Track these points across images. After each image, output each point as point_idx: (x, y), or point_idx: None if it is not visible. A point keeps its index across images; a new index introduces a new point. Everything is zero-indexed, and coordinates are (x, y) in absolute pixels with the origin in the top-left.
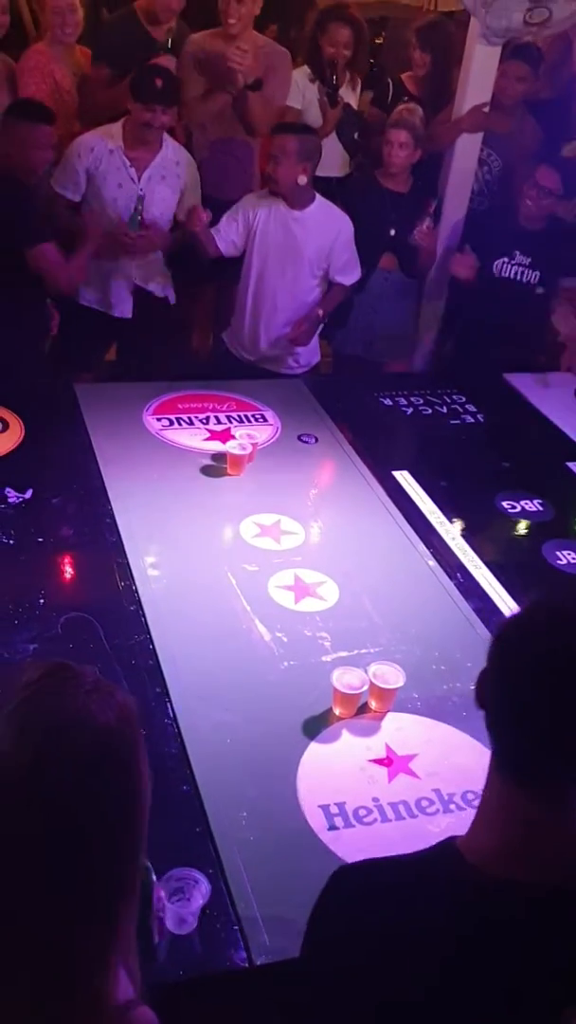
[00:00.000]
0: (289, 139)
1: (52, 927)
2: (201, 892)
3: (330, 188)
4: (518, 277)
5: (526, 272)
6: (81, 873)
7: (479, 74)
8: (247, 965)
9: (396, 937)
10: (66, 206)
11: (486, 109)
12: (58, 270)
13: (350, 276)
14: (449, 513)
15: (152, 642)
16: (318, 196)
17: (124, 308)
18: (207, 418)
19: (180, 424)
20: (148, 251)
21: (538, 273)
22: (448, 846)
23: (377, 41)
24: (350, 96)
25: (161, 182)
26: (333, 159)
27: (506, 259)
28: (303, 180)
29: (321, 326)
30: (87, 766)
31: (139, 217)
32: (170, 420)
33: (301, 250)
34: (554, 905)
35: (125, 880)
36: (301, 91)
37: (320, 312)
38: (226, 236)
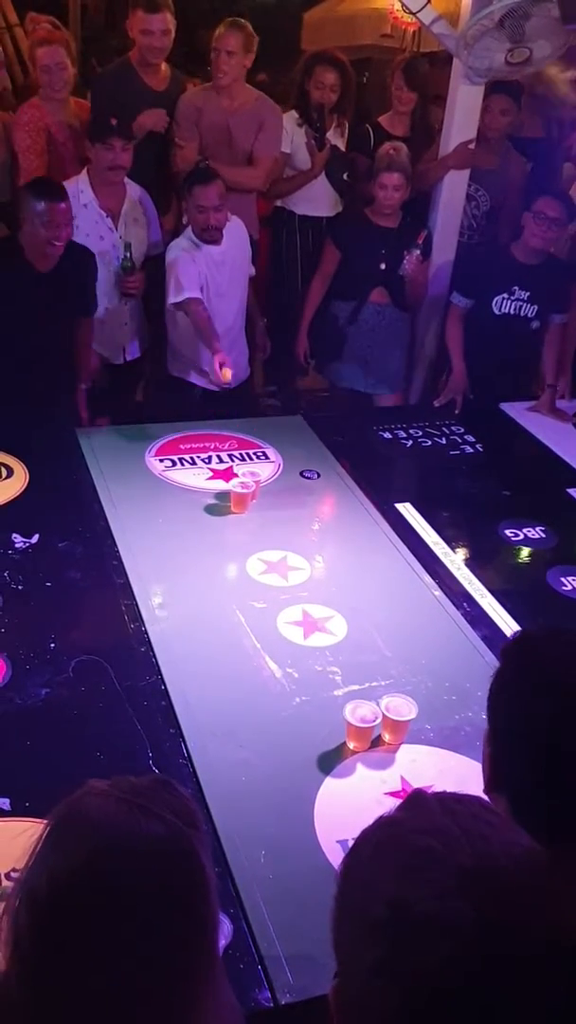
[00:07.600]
0: (212, 188)
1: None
2: (224, 933)
3: (321, 227)
4: (517, 312)
5: (525, 307)
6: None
7: (464, 112)
8: (272, 1006)
9: None
10: None
11: (471, 145)
12: None
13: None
14: (453, 543)
15: (164, 683)
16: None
17: (132, 351)
18: (209, 457)
19: (183, 464)
20: (142, 292)
21: (536, 307)
22: None
23: (361, 81)
24: (337, 139)
25: (135, 224)
26: (324, 200)
27: (505, 295)
28: (230, 216)
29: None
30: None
31: (129, 264)
32: (172, 461)
33: (241, 275)
34: None
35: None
36: (290, 135)
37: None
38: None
